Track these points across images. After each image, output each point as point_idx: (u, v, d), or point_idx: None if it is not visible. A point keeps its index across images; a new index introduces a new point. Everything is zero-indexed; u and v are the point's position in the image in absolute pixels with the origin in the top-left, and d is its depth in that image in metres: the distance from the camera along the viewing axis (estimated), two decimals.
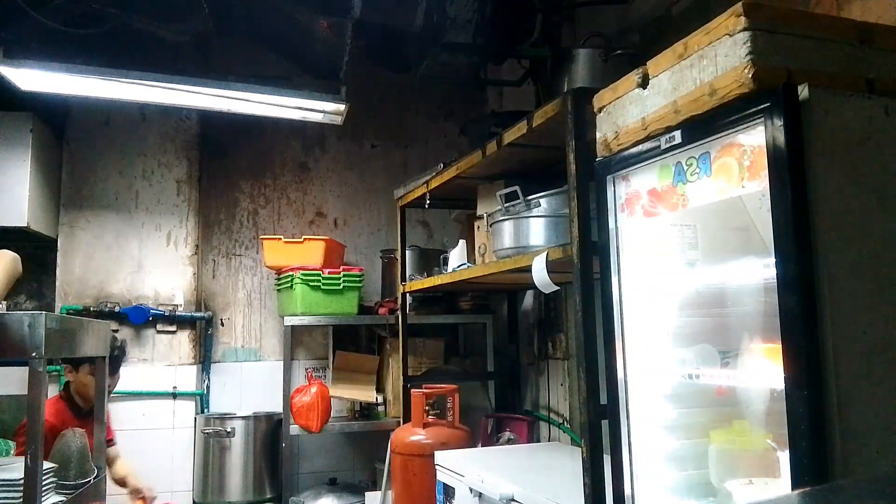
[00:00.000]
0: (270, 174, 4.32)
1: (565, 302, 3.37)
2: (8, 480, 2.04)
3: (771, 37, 1.37)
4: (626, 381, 1.79)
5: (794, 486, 1.28)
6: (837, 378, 1.25)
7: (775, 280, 1.31)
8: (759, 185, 1.39)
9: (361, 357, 4.10)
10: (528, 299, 3.86)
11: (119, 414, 3.69)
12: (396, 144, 4.54)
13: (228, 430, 3.68)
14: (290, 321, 3.78)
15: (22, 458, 1.97)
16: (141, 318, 3.82)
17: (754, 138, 1.39)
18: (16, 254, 2.10)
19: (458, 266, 3.10)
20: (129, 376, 3.81)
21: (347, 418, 4.05)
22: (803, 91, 1.30)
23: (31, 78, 2.84)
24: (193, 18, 2.80)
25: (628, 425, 1.78)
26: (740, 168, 1.44)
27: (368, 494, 3.64)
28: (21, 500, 1.92)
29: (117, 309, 3.80)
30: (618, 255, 1.82)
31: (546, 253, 2.25)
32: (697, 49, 1.50)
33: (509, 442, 3.52)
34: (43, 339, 2.08)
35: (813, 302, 1.26)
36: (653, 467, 1.78)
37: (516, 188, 2.46)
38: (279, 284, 4.00)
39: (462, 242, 3.22)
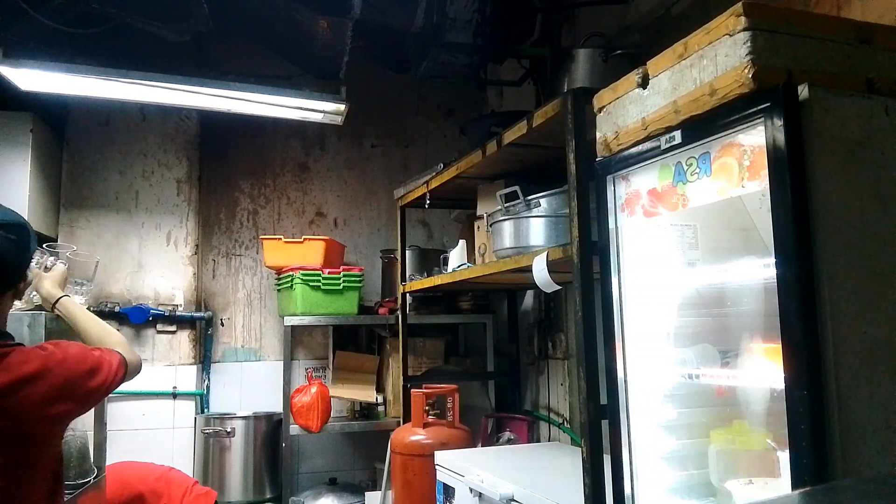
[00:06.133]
0: (270, 174, 4.32)
1: (565, 302, 3.37)
2: None
3: (771, 37, 1.37)
4: (626, 381, 1.79)
5: (794, 486, 1.28)
6: (837, 378, 1.25)
7: (775, 280, 1.31)
8: (759, 185, 1.39)
9: (361, 357, 4.10)
10: (528, 299, 3.86)
11: (119, 414, 3.70)
12: (396, 144, 4.54)
13: (228, 430, 3.69)
14: (290, 321, 3.78)
15: None
16: (141, 318, 3.82)
17: (754, 138, 1.39)
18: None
19: (458, 266, 3.10)
20: None
21: (347, 418, 4.05)
22: (803, 91, 1.30)
23: (31, 78, 2.84)
24: (193, 18, 2.80)
25: (628, 425, 1.78)
26: (740, 168, 1.44)
27: (368, 494, 3.64)
28: None
29: (117, 309, 3.79)
30: (618, 255, 1.82)
31: (546, 253, 2.25)
32: (697, 49, 1.50)
33: (509, 442, 3.52)
34: (43, 340, 2.08)
35: (813, 302, 1.26)
36: (653, 467, 1.78)
37: (516, 188, 2.46)
38: (279, 284, 4.00)
39: (462, 242, 3.22)
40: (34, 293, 2.18)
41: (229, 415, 3.83)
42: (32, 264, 1.96)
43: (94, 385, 1.68)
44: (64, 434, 1.69)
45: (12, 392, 1.47)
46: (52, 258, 2.22)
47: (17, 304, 2.08)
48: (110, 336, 1.96)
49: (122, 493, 3.02)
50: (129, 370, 1.85)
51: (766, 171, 1.33)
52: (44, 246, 2.24)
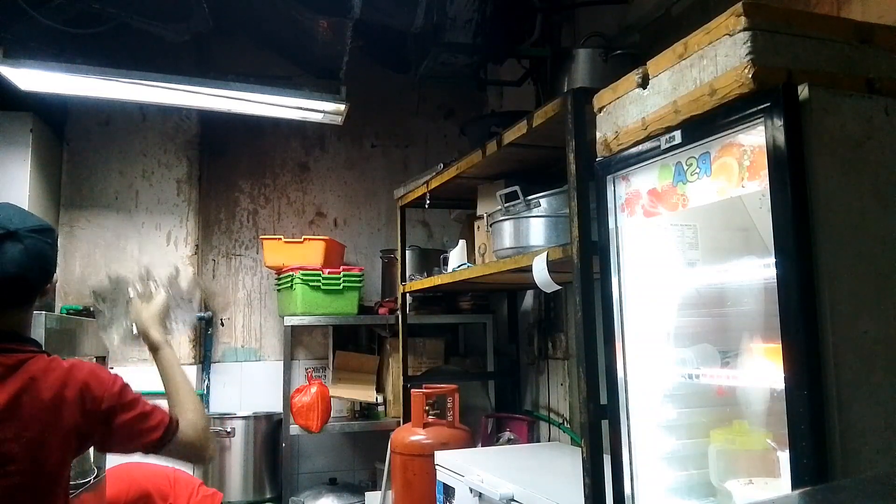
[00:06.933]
0: (270, 174, 4.32)
1: (565, 302, 3.37)
2: None
3: (771, 37, 1.37)
4: (626, 381, 1.79)
5: (794, 486, 1.28)
6: (837, 378, 1.25)
7: (775, 280, 1.31)
8: (759, 185, 1.39)
9: (361, 357, 4.10)
10: (528, 299, 3.86)
11: None
12: (396, 144, 4.54)
13: (228, 430, 3.69)
14: (290, 321, 3.78)
15: None
16: None
17: (754, 138, 1.39)
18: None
19: (458, 266, 3.10)
20: (130, 376, 3.81)
21: (347, 418, 4.05)
22: (803, 91, 1.30)
23: (31, 78, 2.84)
24: (193, 18, 2.80)
25: (628, 425, 1.78)
26: (740, 168, 1.44)
27: (368, 494, 3.64)
28: None
29: None
30: (618, 255, 1.82)
31: (546, 253, 2.25)
32: (697, 49, 1.50)
33: (509, 442, 3.52)
34: (43, 339, 2.08)
35: (813, 302, 1.26)
36: (653, 467, 1.78)
37: (516, 188, 2.46)
38: (279, 284, 4.00)
39: (462, 242, 3.22)
40: (130, 323, 1.94)
41: (229, 415, 3.83)
42: (131, 293, 1.92)
43: (115, 412, 1.58)
44: (76, 454, 1.58)
45: (23, 394, 1.47)
46: (152, 283, 1.97)
47: None
48: (195, 404, 1.80)
49: (128, 492, 3.02)
50: (175, 439, 1.63)
51: (766, 171, 1.33)
52: (145, 268, 2.06)
